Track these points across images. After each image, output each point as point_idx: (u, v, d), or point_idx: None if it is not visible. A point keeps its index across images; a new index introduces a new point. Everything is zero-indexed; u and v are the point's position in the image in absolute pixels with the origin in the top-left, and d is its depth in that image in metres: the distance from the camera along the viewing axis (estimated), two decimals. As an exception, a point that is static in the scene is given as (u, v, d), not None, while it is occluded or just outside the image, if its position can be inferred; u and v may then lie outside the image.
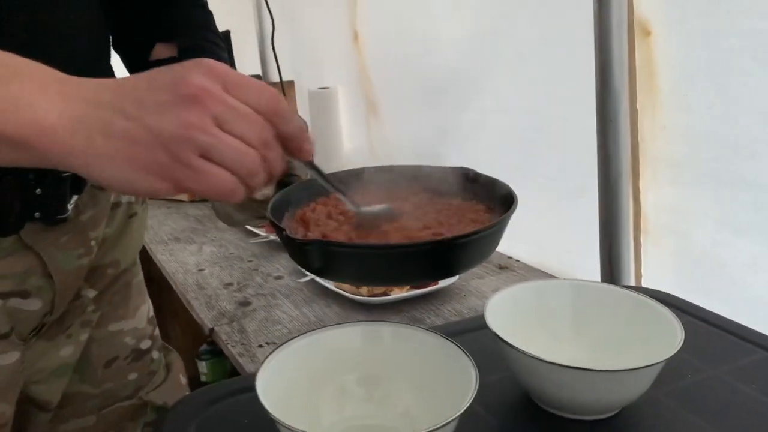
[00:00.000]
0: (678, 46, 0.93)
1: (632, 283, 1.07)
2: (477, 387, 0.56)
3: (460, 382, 0.60)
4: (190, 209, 1.92)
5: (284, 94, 2.08)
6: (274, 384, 0.61)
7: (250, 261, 1.48)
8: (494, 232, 0.56)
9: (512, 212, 0.57)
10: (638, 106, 1.01)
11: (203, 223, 1.78)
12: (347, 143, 2.02)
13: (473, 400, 0.55)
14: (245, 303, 1.25)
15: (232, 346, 1.09)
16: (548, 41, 1.13)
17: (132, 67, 0.81)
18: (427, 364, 0.64)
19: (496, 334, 0.67)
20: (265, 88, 0.47)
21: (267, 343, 1.09)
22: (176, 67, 0.45)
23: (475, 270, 1.38)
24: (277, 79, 2.08)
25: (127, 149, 0.43)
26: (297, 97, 2.22)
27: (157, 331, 0.90)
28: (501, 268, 1.39)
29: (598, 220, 1.05)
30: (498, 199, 0.63)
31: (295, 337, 0.66)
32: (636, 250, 1.08)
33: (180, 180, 0.44)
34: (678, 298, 0.87)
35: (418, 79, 1.51)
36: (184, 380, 0.85)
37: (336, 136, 2.01)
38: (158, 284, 2.17)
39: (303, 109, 2.06)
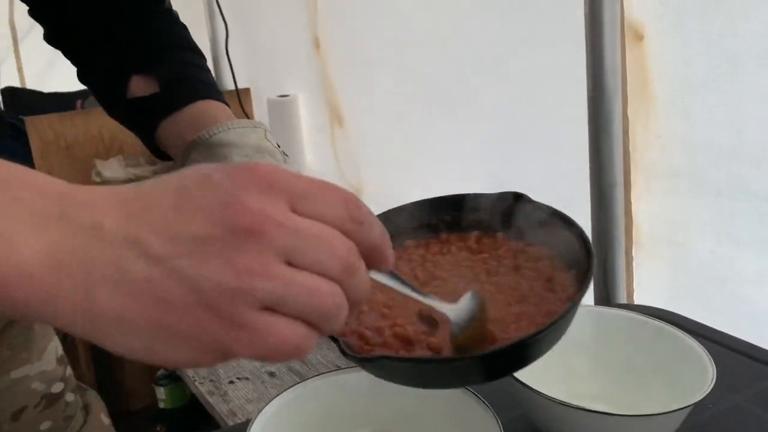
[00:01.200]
0: (674, 51, 0.88)
1: (624, 299, 1.03)
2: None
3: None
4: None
5: (240, 103, 1.98)
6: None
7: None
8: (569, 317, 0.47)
9: (585, 288, 0.47)
10: (630, 113, 0.95)
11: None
12: (309, 155, 1.94)
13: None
14: (211, 332, 1.16)
15: (199, 383, 1.00)
16: (531, 42, 1.07)
17: (107, 105, 0.69)
18: (447, 416, 0.56)
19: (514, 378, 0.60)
20: (340, 192, 0.35)
21: (238, 378, 1.00)
22: (216, 176, 0.33)
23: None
24: (232, 87, 1.98)
25: (152, 310, 0.31)
26: (254, 106, 2.12)
27: (69, 371, 0.79)
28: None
29: (591, 232, 1.00)
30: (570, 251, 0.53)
31: (287, 389, 0.58)
32: (627, 263, 1.03)
33: (230, 348, 0.31)
34: (686, 318, 0.82)
35: (388, 85, 1.44)
36: (107, 420, 0.75)
37: (297, 147, 1.93)
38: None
39: (261, 119, 1.97)
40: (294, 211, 0.33)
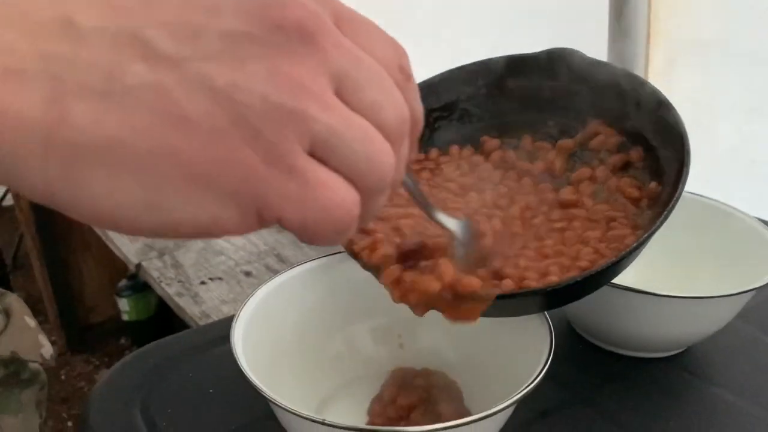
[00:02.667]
0: None
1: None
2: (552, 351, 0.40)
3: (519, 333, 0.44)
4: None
5: None
6: (256, 340, 0.43)
7: (176, 182, 1.25)
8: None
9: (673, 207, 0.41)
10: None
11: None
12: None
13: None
14: (177, 231, 1.04)
15: (167, 284, 0.89)
16: None
17: None
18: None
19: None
20: (388, 35, 0.26)
21: (210, 278, 0.89)
22: None
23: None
24: None
25: (160, 132, 0.21)
26: None
27: None
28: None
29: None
30: (664, 143, 0.45)
31: (283, 271, 0.48)
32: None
33: (270, 201, 0.22)
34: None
35: None
36: (32, 322, 0.65)
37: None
38: (62, 213, 1.91)
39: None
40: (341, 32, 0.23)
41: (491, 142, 0.51)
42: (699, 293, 0.48)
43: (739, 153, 0.83)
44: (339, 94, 0.23)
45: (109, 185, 0.21)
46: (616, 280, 0.48)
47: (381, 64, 0.24)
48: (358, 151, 0.23)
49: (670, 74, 0.87)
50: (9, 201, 2.23)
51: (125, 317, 1.94)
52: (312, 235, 0.23)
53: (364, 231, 0.44)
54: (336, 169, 0.23)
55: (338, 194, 0.23)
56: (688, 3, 0.83)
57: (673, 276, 0.56)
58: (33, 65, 0.20)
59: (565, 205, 0.46)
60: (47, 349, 0.64)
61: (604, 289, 0.48)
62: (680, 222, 0.58)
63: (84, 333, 2.05)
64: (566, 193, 0.47)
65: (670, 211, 0.40)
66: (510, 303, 0.40)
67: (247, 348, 0.41)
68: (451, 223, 0.40)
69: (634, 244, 0.40)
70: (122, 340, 2.06)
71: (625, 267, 0.43)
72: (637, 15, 0.82)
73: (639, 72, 0.85)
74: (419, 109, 0.27)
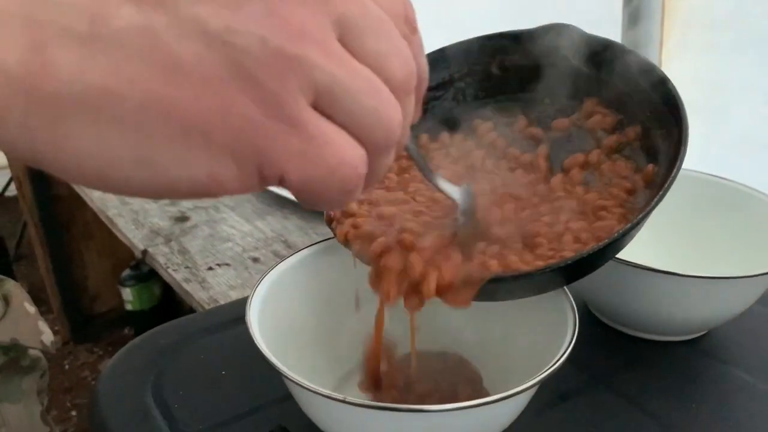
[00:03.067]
0: None
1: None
2: (576, 332, 0.39)
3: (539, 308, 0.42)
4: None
5: None
6: (271, 319, 0.42)
7: (181, 170, 1.24)
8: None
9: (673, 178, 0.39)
10: (667, -44, 0.82)
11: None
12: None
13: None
14: (182, 218, 1.03)
15: (173, 270, 0.88)
16: None
17: None
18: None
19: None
20: None
21: (218, 264, 0.88)
22: None
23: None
24: None
25: (150, 80, 0.19)
26: None
27: None
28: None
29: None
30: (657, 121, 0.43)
31: (296, 251, 0.47)
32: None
33: (272, 156, 0.20)
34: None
35: None
36: (32, 308, 0.63)
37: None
38: (65, 203, 1.90)
39: None
40: None
41: (484, 126, 0.49)
42: (721, 274, 0.47)
43: (754, 136, 0.82)
44: (342, 42, 0.21)
45: (96, 141, 0.19)
46: (637, 260, 0.47)
47: (387, 15, 0.22)
48: (365, 104, 0.21)
49: (684, 56, 0.86)
50: (12, 191, 2.22)
51: (129, 307, 1.93)
52: (317, 195, 0.21)
53: (346, 214, 0.43)
54: (341, 124, 0.21)
55: (344, 150, 0.21)
56: (703, -17, 0.81)
57: (694, 258, 0.55)
58: (10, 7, 0.18)
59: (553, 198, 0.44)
60: (47, 336, 0.63)
61: (625, 269, 0.47)
62: (700, 204, 0.57)
63: (87, 323, 2.04)
64: (556, 181, 0.45)
65: (669, 185, 0.39)
66: (512, 284, 0.39)
67: (263, 328, 0.40)
68: (453, 190, 0.39)
69: (638, 218, 0.39)
70: (126, 330, 2.05)
71: (625, 244, 0.41)
72: (651, -3, 0.81)
73: (653, 54, 0.83)
74: (425, 64, 0.25)
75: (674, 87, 0.42)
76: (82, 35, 0.18)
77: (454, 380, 0.46)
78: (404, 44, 0.23)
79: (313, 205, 0.22)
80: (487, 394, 0.45)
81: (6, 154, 0.20)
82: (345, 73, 0.21)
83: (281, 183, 0.21)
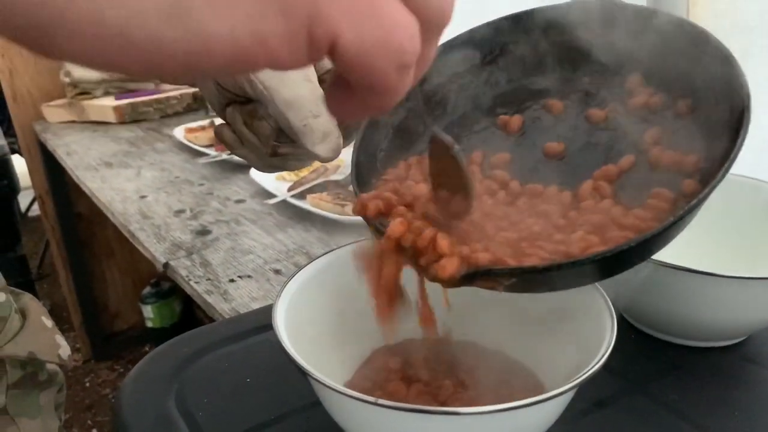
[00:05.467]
0: None
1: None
2: (614, 334, 0.38)
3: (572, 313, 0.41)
4: (121, 131, 1.64)
5: None
6: (297, 324, 0.41)
7: (202, 184, 1.24)
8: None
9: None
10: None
11: (137, 146, 1.52)
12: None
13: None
14: (204, 232, 1.03)
15: (195, 282, 0.87)
16: None
17: None
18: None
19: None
20: None
21: (240, 276, 0.87)
22: None
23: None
24: None
25: None
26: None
27: None
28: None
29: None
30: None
31: (320, 256, 0.46)
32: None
33: (322, 13, 0.18)
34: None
35: None
36: (49, 322, 0.62)
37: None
38: (87, 221, 1.91)
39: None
40: None
41: (513, 121, 0.46)
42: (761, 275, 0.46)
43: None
44: None
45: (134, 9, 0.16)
46: (674, 261, 0.46)
47: None
48: None
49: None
50: (35, 211, 2.24)
51: (149, 324, 1.93)
52: (372, 62, 0.19)
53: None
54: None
55: (400, 13, 0.19)
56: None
57: (732, 260, 0.54)
58: None
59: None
60: (65, 350, 0.63)
61: (661, 270, 0.46)
62: (738, 206, 0.55)
63: (108, 340, 2.05)
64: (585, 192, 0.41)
65: (726, 171, 0.36)
66: (548, 276, 0.36)
67: (290, 332, 0.39)
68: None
69: (691, 204, 0.35)
70: (146, 348, 2.05)
71: (673, 237, 0.39)
72: (676, 1, 0.80)
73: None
74: None
75: (741, 68, 0.39)
76: None
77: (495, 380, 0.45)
78: None
79: (364, 79, 0.20)
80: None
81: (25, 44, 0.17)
82: None
83: (332, 51, 0.19)
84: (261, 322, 0.53)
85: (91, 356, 2.03)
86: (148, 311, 1.91)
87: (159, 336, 1.95)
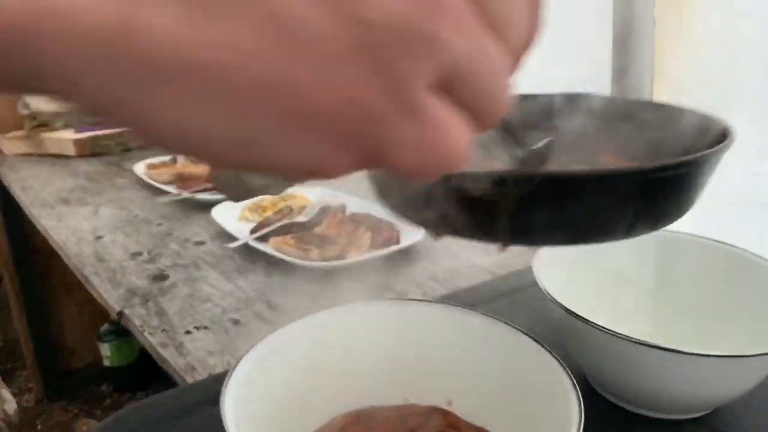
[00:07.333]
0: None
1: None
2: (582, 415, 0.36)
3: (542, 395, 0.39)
4: (80, 165, 1.60)
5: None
6: (248, 407, 0.39)
7: (161, 224, 1.21)
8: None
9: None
10: (655, 13, 0.82)
11: (97, 181, 1.48)
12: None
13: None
14: (161, 277, 0.99)
15: (150, 333, 0.84)
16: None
17: None
18: (511, 369, 0.43)
19: (555, 301, 0.47)
20: None
21: (196, 327, 0.84)
22: None
23: (436, 223, 1.18)
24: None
25: (269, 51, 0.16)
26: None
27: None
28: (465, 220, 1.19)
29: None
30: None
31: (273, 331, 0.43)
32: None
33: (384, 143, 0.19)
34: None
35: None
36: (6, 394, 0.59)
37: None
38: (45, 255, 1.85)
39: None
40: None
41: None
42: (729, 350, 0.45)
43: (749, 194, 0.80)
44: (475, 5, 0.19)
45: (192, 116, 0.17)
46: (640, 330, 0.44)
47: None
48: (486, 88, 0.19)
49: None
50: (-12, 242, 2.17)
51: (107, 363, 1.87)
52: (422, 178, 0.20)
53: None
54: (455, 101, 0.19)
55: (460, 138, 0.19)
56: (692, 40, 0.81)
57: (698, 330, 0.53)
58: None
59: None
60: (10, 404, 0.59)
61: (626, 344, 0.44)
62: (705, 270, 0.54)
63: (63, 379, 1.97)
64: None
65: None
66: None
67: (239, 417, 0.37)
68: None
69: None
70: (103, 387, 1.98)
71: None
72: (641, 53, 0.80)
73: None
74: (539, 19, 0.22)
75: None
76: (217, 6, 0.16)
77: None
78: (524, 5, 0.20)
79: (411, 181, 0.22)
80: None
81: (95, 116, 0.18)
82: (475, 55, 0.18)
83: (385, 168, 0.20)
84: (212, 392, 0.50)
85: (44, 396, 1.95)
86: (105, 349, 1.85)
87: (117, 375, 1.89)
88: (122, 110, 0.17)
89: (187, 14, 0.16)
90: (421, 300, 0.49)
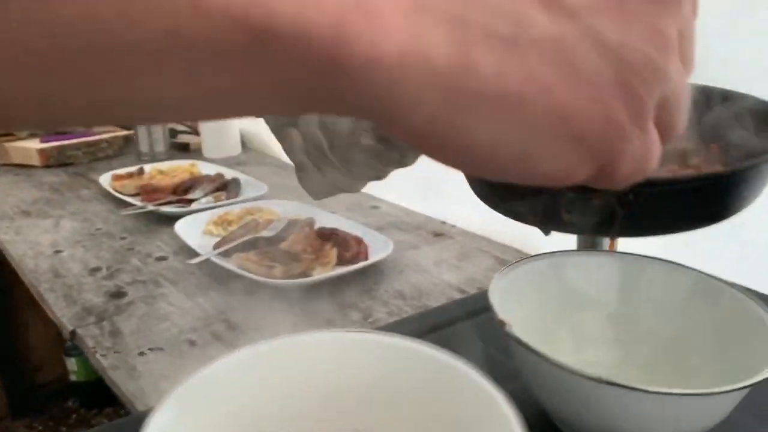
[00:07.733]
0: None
1: (605, 245, 0.88)
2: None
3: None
4: (45, 176, 1.55)
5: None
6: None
7: (124, 238, 1.17)
8: None
9: None
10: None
11: (61, 192, 1.44)
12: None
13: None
14: (119, 294, 0.96)
15: (101, 355, 0.80)
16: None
17: None
18: (430, 394, 0.40)
19: (511, 335, 0.45)
20: None
21: (150, 349, 0.81)
22: None
23: (407, 238, 1.15)
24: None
25: (553, 82, 0.20)
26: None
27: None
28: (436, 235, 1.17)
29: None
30: None
31: (207, 366, 0.40)
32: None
33: (616, 157, 0.22)
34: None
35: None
36: None
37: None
38: (8, 268, 1.80)
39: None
40: None
41: None
42: (694, 375, 0.42)
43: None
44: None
45: (494, 137, 0.20)
46: (604, 362, 0.42)
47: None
48: (682, 111, 0.23)
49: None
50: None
51: (73, 378, 1.82)
52: (621, 185, 0.23)
53: None
54: (656, 122, 0.23)
55: (656, 149, 0.23)
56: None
57: (664, 355, 0.50)
58: (441, 5, 0.19)
59: None
60: None
61: (584, 382, 0.42)
62: (669, 296, 0.52)
63: (28, 394, 1.92)
64: None
65: None
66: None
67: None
68: None
69: None
70: (70, 402, 1.93)
71: None
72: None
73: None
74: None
75: None
76: (505, 38, 0.20)
77: None
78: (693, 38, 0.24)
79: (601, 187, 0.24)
80: None
81: (381, 127, 0.21)
82: (682, 85, 0.23)
83: (602, 174, 0.23)
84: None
85: (8, 413, 1.90)
86: (72, 364, 1.80)
87: (83, 390, 1.84)
88: (438, 129, 0.20)
89: (500, 52, 0.19)
90: (357, 330, 0.46)
